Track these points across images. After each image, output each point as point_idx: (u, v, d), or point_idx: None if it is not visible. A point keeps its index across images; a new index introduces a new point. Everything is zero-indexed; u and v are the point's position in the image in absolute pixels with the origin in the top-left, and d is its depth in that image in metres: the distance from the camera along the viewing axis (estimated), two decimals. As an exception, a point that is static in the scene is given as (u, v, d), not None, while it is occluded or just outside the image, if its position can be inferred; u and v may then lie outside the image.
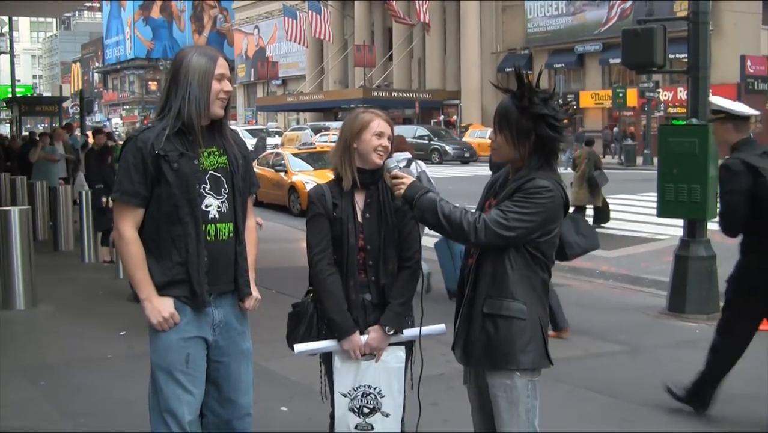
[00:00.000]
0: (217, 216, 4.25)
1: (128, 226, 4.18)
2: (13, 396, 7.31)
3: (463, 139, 51.13)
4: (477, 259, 4.09)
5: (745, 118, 6.78)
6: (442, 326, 4.60)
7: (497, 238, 3.92)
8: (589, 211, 18.96)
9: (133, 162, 4.13)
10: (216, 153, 4.29)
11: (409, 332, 4.53)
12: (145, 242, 4.21)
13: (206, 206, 4.22)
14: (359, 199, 4.47)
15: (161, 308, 4.19)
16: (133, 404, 7.05)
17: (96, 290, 12.07)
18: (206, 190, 4.23)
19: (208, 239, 4.22)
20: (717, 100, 7.02)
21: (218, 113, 4.25)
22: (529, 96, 4.00)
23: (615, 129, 51.32)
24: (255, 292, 4.47)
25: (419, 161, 11.41)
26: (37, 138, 22.10)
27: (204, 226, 4.21)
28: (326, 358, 4.55)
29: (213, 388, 4.40)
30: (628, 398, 7.31)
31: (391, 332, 4.42)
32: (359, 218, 4.44)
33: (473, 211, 4.06)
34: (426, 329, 4.58)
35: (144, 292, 4.20)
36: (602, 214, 19.25)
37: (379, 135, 4.41)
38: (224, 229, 4.28)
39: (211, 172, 4.26)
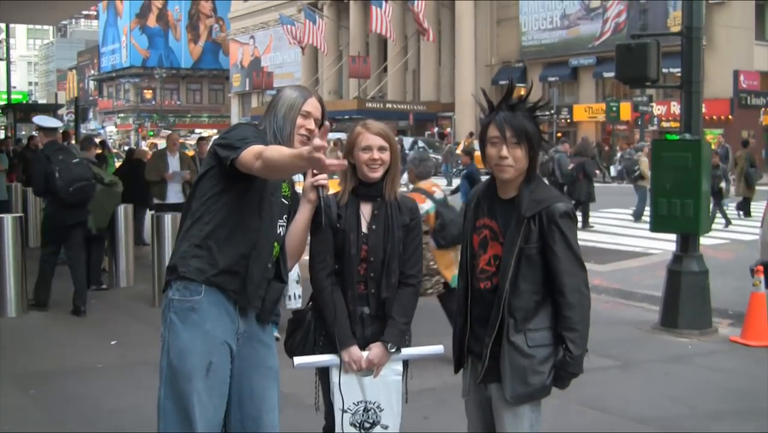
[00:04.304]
0: (280, 233, 4.28)
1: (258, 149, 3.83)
2: (3, 404, 7.28)
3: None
4: (500, 283, 4.07)
5: (53, 129, 11.58)
6: (440, 347, 4.58)
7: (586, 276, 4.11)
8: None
9: (255, 134, 4.04)
10: (285, 185, 4.34)
11: (408, 352, 4.53)
12: (216, 227, 4.08)
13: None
14: (366, 210, 4.48)
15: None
16: (124, 413, 7.06)
17: (88, 298, 12.04)
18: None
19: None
20: (37, 120, 11.41)
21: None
22: (526, 106, 4.05)
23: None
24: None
25: None
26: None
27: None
28: (322, 370, 4.53)
29: (235, 406, 4.23)
30: (619, 413, 7.30)
31: (393, 350, 4.41)
32: (364, 229, 4.44)
33: (575, 288, 4.03)
34: (424, 350, 4.58)
35: (298, 152, 3.67)
36: (746, 205, 23.56)
37: (366, 149, 4.41)
38: (277, 249, 4.27)
39: (283, 196, 4.31)
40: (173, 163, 15.32)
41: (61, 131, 12.44)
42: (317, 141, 3.53)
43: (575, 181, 21.18)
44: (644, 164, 21.80)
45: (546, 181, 19.40)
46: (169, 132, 22.81)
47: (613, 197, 24.49)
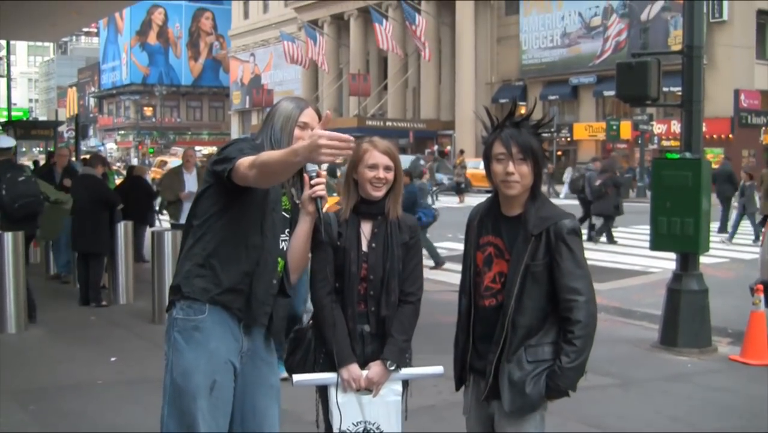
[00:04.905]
0: (283, 248, 4.27)
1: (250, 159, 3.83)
2: (2, 420, 7.27)
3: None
4: (505, 300, 4.07)
5: (6, 149, 11.79)
6: (440, 368, 4.56)
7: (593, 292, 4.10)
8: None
9: (251, 147, 4.04)
10: (285, 198, 4.31)
11: (408, 373, 4.51)
12: (218, 246, 4.08)
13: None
14: (366, 228, 4.46)
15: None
16: (123, 430, 7.04)
17: (88, 314, 12.05)
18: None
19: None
20: None
21: None
22: (530, 124, 4.07)
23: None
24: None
25: None
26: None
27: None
28: (322, 388, 4.51)
29: (238, 423, 4.21)
30: (618, 432, 7.29)
31: (393, 368, 4.38)
32: (364, 248, 4.42)
33: (576, 299, 4.02)
34: (424, 370, 4.56)
35: (291, 149, 3.69)
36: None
37: (372, 167, 4.39)
38: (281, 264, 4.26)
39: (283, 210, 4.28)
40: (190, 181, 14.33)
41: (12, 151, 12.92)
42: (320, 131, 3.55)
43: (602, 195, 21.64)
44: None
45: (576, 199, 19.47)
46: (184, 149, 21.50)
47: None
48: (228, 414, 4.13)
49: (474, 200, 28.67)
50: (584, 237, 21.62)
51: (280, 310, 4.28)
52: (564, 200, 38.21)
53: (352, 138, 3.56)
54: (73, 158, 23.26)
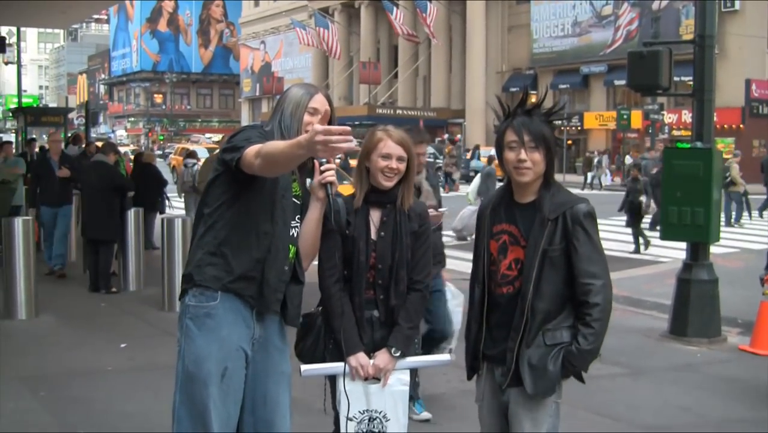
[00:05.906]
0: (293, 235, 4.25)
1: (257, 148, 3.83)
2: (13, 406, 7.30)
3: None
4: (523, 286, 4.06)
5: None
6: (446, 356, 4.55)
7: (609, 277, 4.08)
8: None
9: (259, 135, 4.03)
10: (296, 185, 4.29)
11: (415, 361, 4.50)
12: (229, 234, 4.08)
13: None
14: (375, 216, 4.44)
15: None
16: (133, 416, 7.06)
17: (98, 301, 12.08)
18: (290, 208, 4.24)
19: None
20: None
21: None
22: (542, 111, 4.06)
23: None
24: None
25: None
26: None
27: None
28: (331, 375, 4.49)
29: (248, 410, 4.21)
30: (628, 421, 7.29)
31: (398, 354, 4.37)
32: (373, 236, 4.41)
33: (592, 283, 4.00)
34: (431, 358, 4.55)
35: (295, 140, 3.67)
36: None
37: (385, 156, 4.37)
38: (293, 251, 4.24)
39: (294, 197, 4.27)
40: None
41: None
42: (317, 126, 3.53)
43: (660, 184, 21.87)
44: (735, 170, 23.18)
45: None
46: (222, 135, 21.26)
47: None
48: (239, 401, 4.14)
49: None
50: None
51: (295, 297, 4.27)
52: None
53: (349, 129, 3.53)
54: (83, 144, 23.10)
